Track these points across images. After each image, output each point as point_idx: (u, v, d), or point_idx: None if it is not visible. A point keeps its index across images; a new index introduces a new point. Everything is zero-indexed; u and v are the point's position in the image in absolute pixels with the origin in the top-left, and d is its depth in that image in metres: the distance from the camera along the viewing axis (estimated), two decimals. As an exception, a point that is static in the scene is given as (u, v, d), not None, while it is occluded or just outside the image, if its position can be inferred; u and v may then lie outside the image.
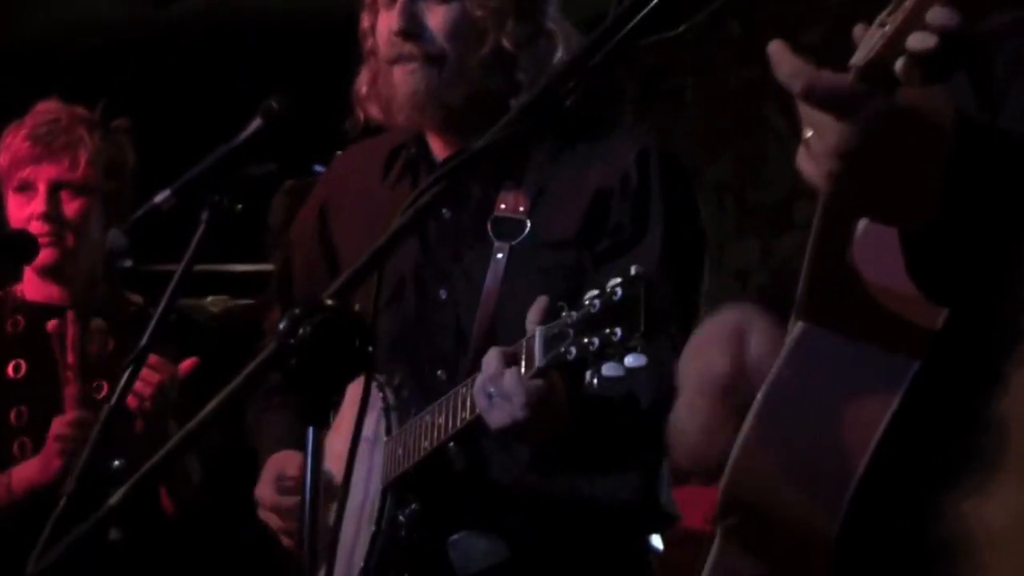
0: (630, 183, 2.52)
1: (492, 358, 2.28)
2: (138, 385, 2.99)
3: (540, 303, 2.25)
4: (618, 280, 2.11)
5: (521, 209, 2.54)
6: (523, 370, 2.25)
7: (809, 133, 1.37)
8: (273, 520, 2.64)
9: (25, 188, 3.32)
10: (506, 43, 2.56)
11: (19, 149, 3.32)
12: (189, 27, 6.30)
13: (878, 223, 1.43)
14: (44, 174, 3.31)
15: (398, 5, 2.58)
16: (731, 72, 6.03)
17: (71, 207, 3.31)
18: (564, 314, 2.18)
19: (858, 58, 1.34)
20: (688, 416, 1.63)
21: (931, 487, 1.27)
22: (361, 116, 2.68)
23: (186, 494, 3.24)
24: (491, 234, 2.54)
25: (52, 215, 3.29)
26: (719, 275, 4.43)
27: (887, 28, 1.30)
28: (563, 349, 2.17)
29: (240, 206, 2.44)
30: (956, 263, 1.41)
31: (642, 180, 2.51)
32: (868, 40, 1.34)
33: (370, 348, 1.56)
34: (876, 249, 1.45)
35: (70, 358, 3.26)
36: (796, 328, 1.51)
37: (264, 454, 2.71)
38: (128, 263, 2.53)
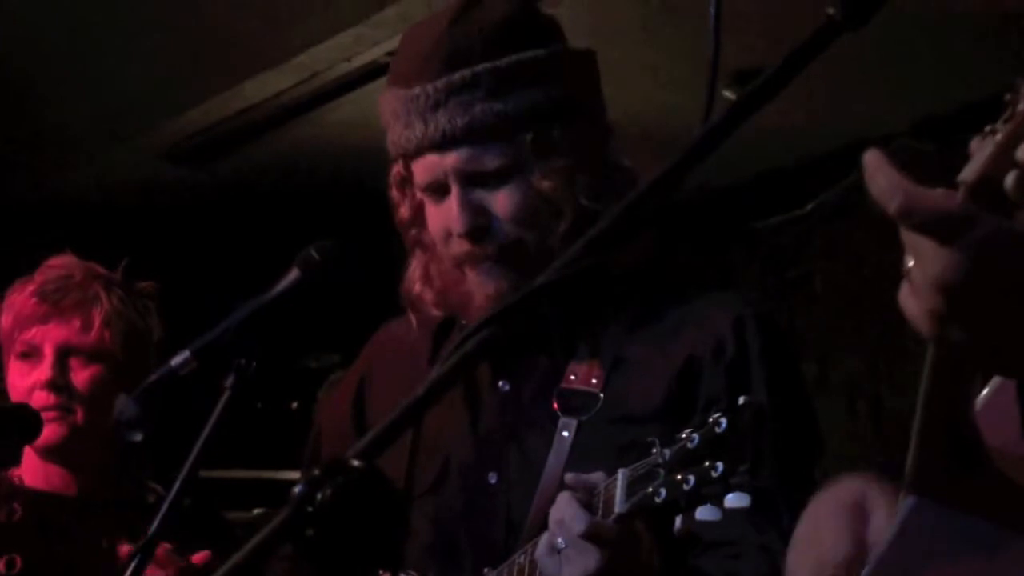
0: (725, 352, 2.51)
1: (563, 504, 2.24)
2: None
3: (582, 478, 2.22)
4: (721, 411, 2.10)
5: (594, 381, 2.53)
6: (600, 516, 2.21)
7: (911, 263, 1.34)
8: None
9: (30, 353, 3.26)
10: (584, 201, 2.56)
11: (24, 307, 3.27)
12: (232, 189, 6.45)
13: (994, 374, 1.40)
14: (52, 336, 3.25)
15: (453, 199, 2.57)
16: (866, 257, 6.03)
17: (81, 376, 3.24)
18: (655, 451, 2.15)
19: (967, 173, 1.31)
20: None
21: None
22: (414, 321, 2.69)
23: None
24: (556, 409, 2.53)
25: (59, 384, 3.22)
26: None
27: (998, 137, 1.28)
28: (651, 490, 2.14)
29: (296, 404, 2.45)
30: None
31: (739, 348, 2.51)
32: (979, 152, 1.31)
33: (401, 520, 1.53)
34: (1002, 410, 1.41)
35: None
36: (905, 503, 1.48)
37: None
38: (139, 436, 2.50)
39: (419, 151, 2.62)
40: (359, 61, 5.51)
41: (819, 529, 1.61)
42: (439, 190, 2.60)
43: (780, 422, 2.43)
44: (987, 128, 1.33)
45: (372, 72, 5.53)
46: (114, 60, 5.76)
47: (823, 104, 5.92)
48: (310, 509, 1.51)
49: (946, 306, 1.31)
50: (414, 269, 2.68)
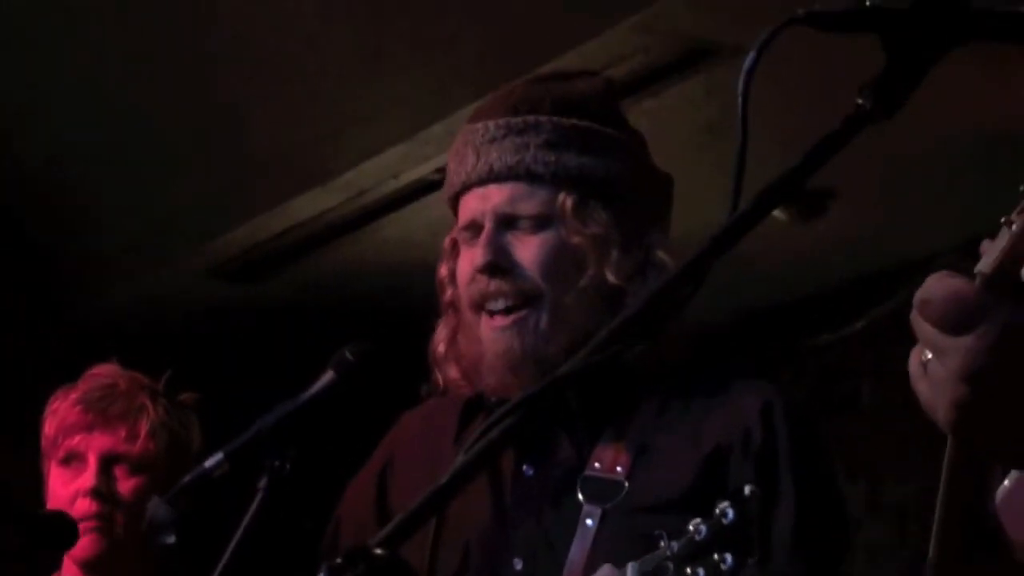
0: (752, 441, 2.49)
1: None
2: None
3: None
4: (727, 502, 2.07)
5: (619, 469, 2.51)
6: None
7: (928, 356, 1.33)
8: None
9: (73, 460, 3.24)
10: (610, 276, 2.57)
11: (68, 415, 3.24)
12: (278, 307, 6.48)
13: (1014, 466, 1.38)
14: (96, 445, 3.22)
15: (483, 237, 2.60)
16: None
17: (126, 486, 3.22)
18: (663, 544, 2.13)
19: (983, 264, 1.31)
20: None
21: None
22: (439, 380, 2.68)
23: None
24: (580, 496, 2.50)
25: (103, 492, 3.19)
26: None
27: (1014, 228, 1.27)
28: None
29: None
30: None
31: (767, 437, 2.49)
32: (996, 243, 1.31)
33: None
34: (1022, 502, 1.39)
35: None
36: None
37: None
38: (171, 539, 2.48)
39: (466, 186, 2.66)
40: (406, 178, 5.54)
41: None
42: (475, 231, 2.63)
43: (807, 512, 2.41)
44: (1003, 219, 1.32)
45: (420, 189, 5.57)
46: (160, 178, 5.82)
47: (871, 223, 5.93)
48: (332, 598, 1.50)
49: (969, 396, 1.30)
50: (441, 330, 2.69)
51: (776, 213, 5.76)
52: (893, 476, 6.12)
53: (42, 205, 6.11)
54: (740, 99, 1.57)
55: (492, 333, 2.58)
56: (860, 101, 1.57)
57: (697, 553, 2.10)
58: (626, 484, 2.50)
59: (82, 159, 5.87)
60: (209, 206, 5.86)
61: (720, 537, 2.08)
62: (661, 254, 2.59)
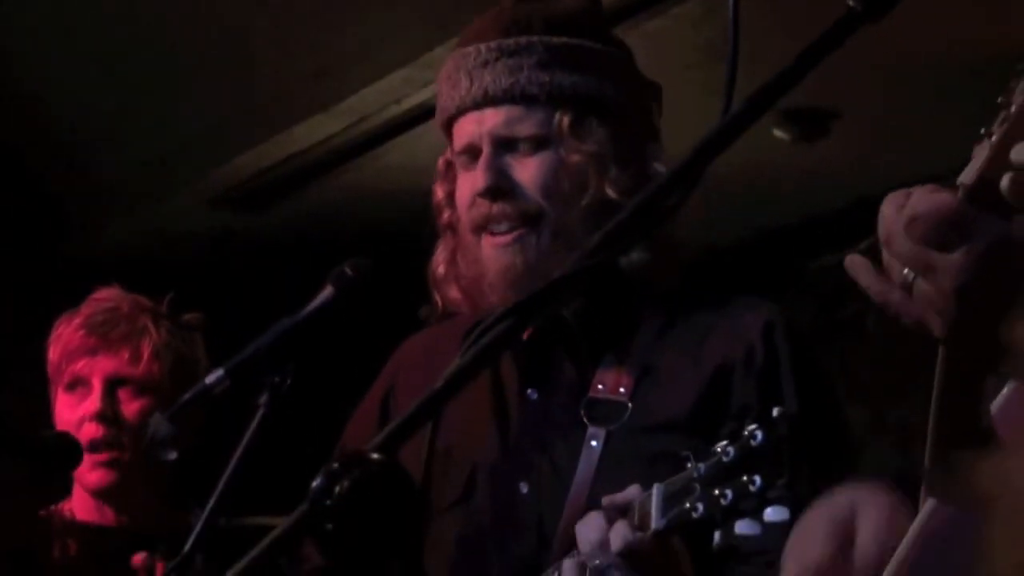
0: (755, 359, 2.50)
1: (591, 523, 2.22)
2: None
3: (617, 499, 2.20)
4: (755, 424, 2.07)
5: (622, 390, 2.51)
6: (635, 533, 2.18)
7: (907, 273, 1.33)
8: None
9: (78, 384, 3.25)
10: (610, 191, 2.57)
11: (71, 340, 3.26)
12: (282, 234, 6.47)
13: (1006, 372, 1.38)
14: (100, 368, 3.23)
15: (481, 160, 2.59)
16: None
17: (131, 408, 3.23)
18: (689, 465, 2.12)
19: (965, 176, 1.31)
20: None
21: None
22: (439, 301, 2.68)
23: None
24: (584, 418, 2.50)
25: (108, 416, 3.21)
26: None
27: (994, 139, 1.27)
28: (688, 505, 2.12)
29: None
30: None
31: (769, 355, 2.49)
32: (977, 155, 1.31)
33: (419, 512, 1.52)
34: (1018, 413, 1.39)
35: None
36: (925, 507, 1.46)
37: None
38: (173, 455, 2.49)
39: (460, 110, 2.66)
40: (408, 103, 5.52)
41: (806, 533, 1.59)
42: (473, 155, 2.62)
43: (812, 430, 2.40)
44: (983, 130, 1.32)
45: (422, 114, 5.54)
46: (160, 108, 5.80)
47: (874, 145, 5.92)
48: (328, 502, 1.50)
49: (962, 310, 1.31)
50: (440, 251, 2.69)
51: (778, 133, 5.76)
52: (897, 399, 6.13)
53: (41, 137, 6.10)
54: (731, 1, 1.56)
55: (493, 251, 2.57)
56: (851, 3, 1.56)
57: (725, 475, 2.09)
58: (629, 405, 2.50)
59: (81, 90, 5.85)
60: (211, 135, 5.85)
61: (748, 459, 2.07)
62: (658, 166, 2.59)
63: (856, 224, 6.40)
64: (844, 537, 1.53)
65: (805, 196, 6.32)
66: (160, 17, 5.45)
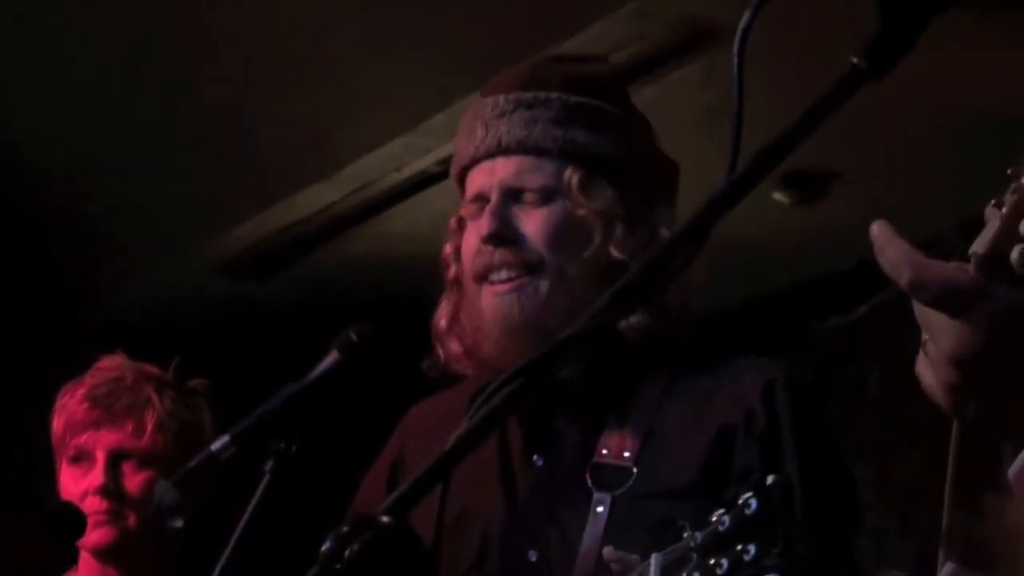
0: (756, 423, 2.48)
1: None
2: None
3: (620, 552, 2.19)
4: (750, 492, 2.07)
5: (626, 454, 2.50)
6: None
7: (925, 337, 1.32)
8: None
9: (81, 458, 3.24)
10: (614, 251, 2.57)
11: (75, 412, 3.24)
12: (285, 302, 6.47)
13: (1016, 446, 1.37)
14: (104, 441, 3.22)
15: (488, 208, 2.60)
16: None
17: (134, 481, 3.22)
18: (686, 535, 2.12)
19: (978, 246, 1.30)
20: None
21: None
22: (441, 354, 2.67)
23: None
24: (590, 484, 2.50)
25: (111, 490, 3.19)
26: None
27: (1004, 210, 1.27)
28: (685, 575, 2.11)
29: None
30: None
31: (770, 418, 2.48)
32: (990, 224, 1.30)
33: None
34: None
35: None
36: (944, 571, 1.45)
37: None
38: (179, 522, 2.48)
39: (474, 160, 2.66)
40: (409, 171, 5.54)
41: None
42: (482, 203, 2.63)
43: (815, 493, 2.39)
44: (993, 201, 1.32)
45: (422, 181, 5.57)
46: (163, 176, 5.82)
47: (874, 206, 5.93)
48: (338, 566, 1.49)
49: (961, 379, 1.31)
50: (444, 305, 2.69)
51: (778, 196, 5.76)
52: (900, 461, 6.11)
53: (47, 205, 6.11)
54: (735, 58, 1.57)
55: (492, 299, 2.57)
56: (855, 61, 1.56)
57: (721, 544, 2.08)
58: (634, 470, 2.49)
59: (90, 161, 5.86)
60: (213, 203, 5.86)
61: (743, 528, 2.06)
62: (664, 231, 2.59)
63: (857, 285, 6.41)
64: None
65: (806, 257, 6.33)
66: (163, 86, 5.47)
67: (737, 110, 1.61)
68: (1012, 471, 1.42)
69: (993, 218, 1.30)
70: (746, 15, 1.57)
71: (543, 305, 2.53)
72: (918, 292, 1.31)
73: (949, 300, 1.30)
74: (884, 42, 1.55)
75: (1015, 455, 1.43)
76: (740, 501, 2.08)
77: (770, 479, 2.08)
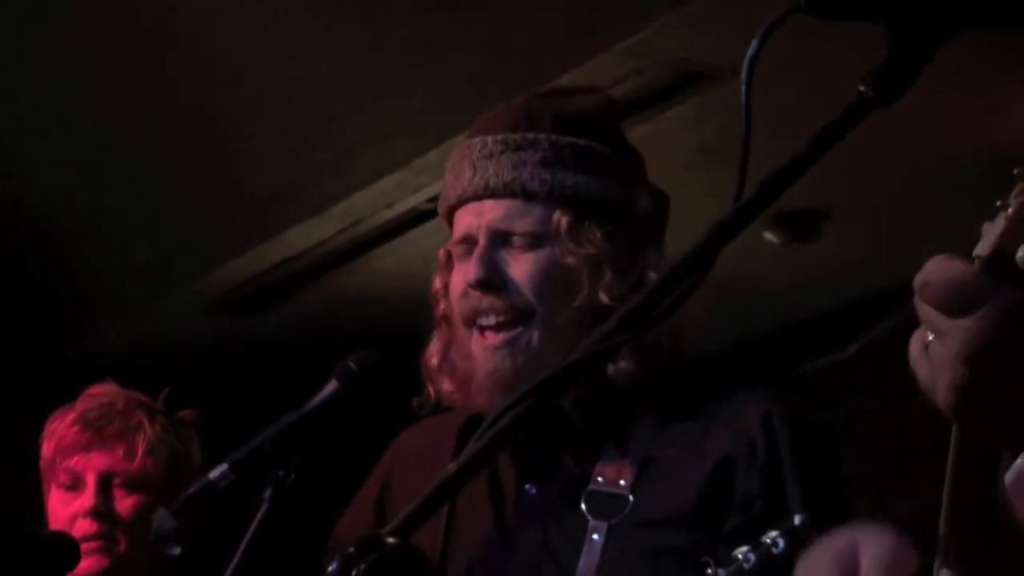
0: (757, 453, 2.48)
1: None
2: None
3: None
4: (777, 532, 2.06)
5: (623, 482, 2.49)
6: None
7: (930, 337, 1.33)
8: None
9: (72, 481, 3.23)
10: (603, 296, 2.55)
11: (65, 436, 3.24)
12: (281, 338, 6.46)
13: (1018, 448, 1.38)
14: (94, 464, 3.21)
15: (476, 252, 2.58)
16: (911, 397, 5.98)
17: (124, 504, 3.20)
18: (709, 571, 2.11)
19: (981, 247, 1.31)
20: None
21: None
22: (432, 393, 2.66)
23: None
24: (585, 511, 2.48)
25: (102, 512, 3.18)
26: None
27: (1010, 211, 1.28)
28: None
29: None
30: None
31: (771, 448, 2.48)
32: (993, 226, 1.31)
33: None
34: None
35: None
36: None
37: None
38: (177, 549, 2.48)
39: (461, 200, 2.64)
40: (401, 207, 5.55)
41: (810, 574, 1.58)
42: (469, 245, 2.61)
43: (819, 523, 2.39)
44: (998, 203, 1.33)
45: (414, 218, 5.57)
46: (154, 213, 5.83)
47: (865, 245, 5.95)
48: (344, 588, 1.49)
49: (968, 379, 1.31)
50: (434, 343, 2.67)
51: (769, 236, 5.76)
52: (893, 498, 6.11)
53: (39, 243, 6.11)
54: (743, 87, 1.57)
55: (483, 352, 2.56)
56: (862, 89, 1.57)
57: None
58: (631, 498, 2.48)
59: (78, 196, 5.87)
60: (205, 240, 5.86)
61: (769, 566, 2.07)
62: (653, 275, 2.57)
63: (847, 325, 6.41)
64: (848, 571, 1.51)
65: (797, 297, 6.35)
66: (153, 122, 5.48)
67: (744, 137, 1.61)
68: (1008, 479, 1.43)
69: (996, 220, 1.31)
70: (753, 44, 1.57)
71: (536, 357, 2.52)
72: (924, 289, 1.32)
73: (955, 300, 1.31)
74: (891, 70, 1.56)
75: (1012, 462, 1.44)
76: (767, 540, 2.08)
77: (797, 519, 2.08)
